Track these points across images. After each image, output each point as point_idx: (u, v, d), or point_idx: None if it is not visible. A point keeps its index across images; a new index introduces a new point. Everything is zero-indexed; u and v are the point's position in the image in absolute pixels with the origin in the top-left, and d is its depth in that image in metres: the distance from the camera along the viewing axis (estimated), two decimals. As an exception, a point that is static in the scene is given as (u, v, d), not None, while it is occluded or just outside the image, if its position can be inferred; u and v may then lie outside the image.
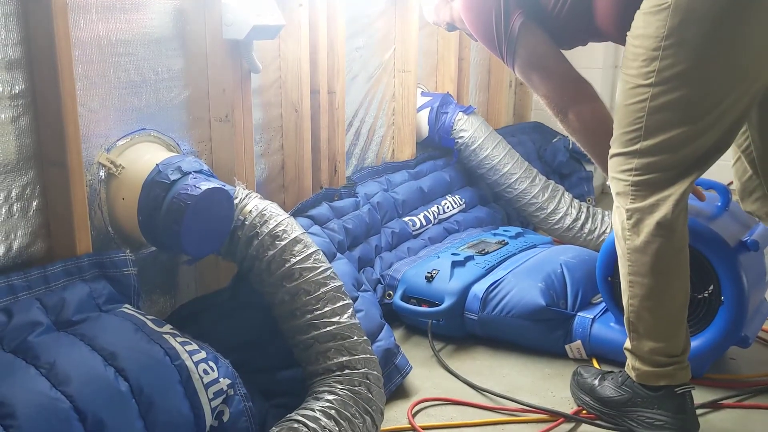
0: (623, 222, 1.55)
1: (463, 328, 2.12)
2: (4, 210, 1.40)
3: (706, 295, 1.82)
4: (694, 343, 1.84)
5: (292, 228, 1.62)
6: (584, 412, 1.74)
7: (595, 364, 1.95)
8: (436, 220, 2.67)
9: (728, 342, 1.86)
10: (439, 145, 2.90)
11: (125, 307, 1.46)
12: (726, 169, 1.79)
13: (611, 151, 1.56)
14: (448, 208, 2.75)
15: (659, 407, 1.61)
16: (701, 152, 1.47)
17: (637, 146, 1.49)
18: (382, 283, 2.24)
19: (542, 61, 1.72)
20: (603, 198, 3.76)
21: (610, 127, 1.58)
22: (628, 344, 1.65)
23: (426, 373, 1.95)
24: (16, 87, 1.38)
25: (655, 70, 1.43)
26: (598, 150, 1.65)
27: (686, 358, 1.62)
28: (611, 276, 1.93)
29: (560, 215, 2.80)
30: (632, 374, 1.65)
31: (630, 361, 1.66)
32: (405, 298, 2.16)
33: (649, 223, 1.50)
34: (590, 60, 3.47)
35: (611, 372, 1.74)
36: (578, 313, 2.01)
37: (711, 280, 1.81)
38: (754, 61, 1.42)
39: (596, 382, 1.73)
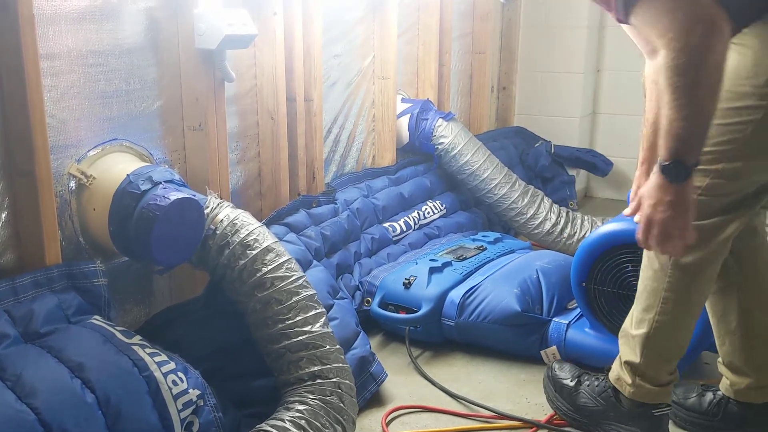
0: None
1: (440, 334, 2.12)
2: (-28, 222, 1.40)
3: (679, 300, 1.83)
4: (668, 349, 1.86)
5: (264, 237, 1.62)
6: (557, 418, 1.74)
7: (571, 370, 1.96)
8: (417, 226, 2.68)
9: (701, 347, 1.87)
10: (419, 150, 2.91)
11: (94, 318, 1.46)
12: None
13: None
14: (428, 213, 2.76)
15: (634, 425, 1.60)
16: None
17: (719, 166, 1.37)
18: (360, 290, 2.24)
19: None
20: (585, 202, 3.78)
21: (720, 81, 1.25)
22: (632, 358, 1.57)
23: (402, 380, 1.95)
24: (-16, 99, 1.38)
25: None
26: (702, 100, 1.24)
27: (672, 380, 1.60)
28: (585, 282, 1.94)
29: (540, 220, 2.81)
30: (626, 389, 1.60)
31: (626, 376, 1.60)
32: (383, 304, 2.16)
33: (711, 241, 1.42)
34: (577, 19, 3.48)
35: (587, 374, 1.74)
36: (553, 319, 2.02)
37: (683, 286, 1.82)
38: None
39: (572, 384, 1.73)
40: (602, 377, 1.69)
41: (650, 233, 1.33)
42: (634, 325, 1.57)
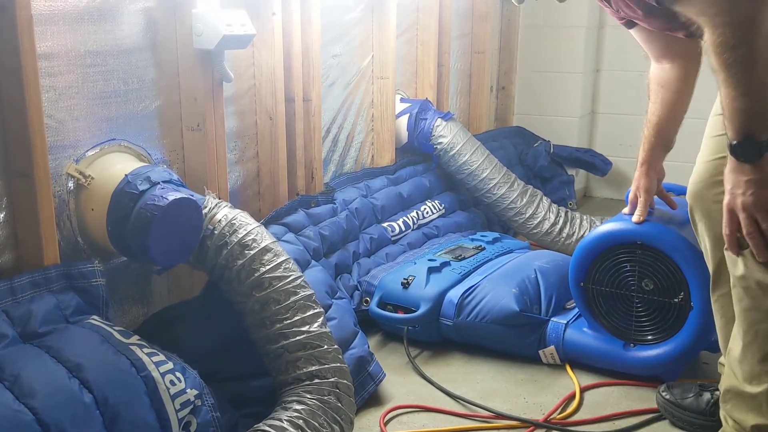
0: None
1: (439, 334, 2.12)
2: (-30, 222, 1.40)
3: (677, 301, 1.83)
4: (666, 348, 1.86)
5: (262, 237, 1.62)
6: (556, 417, 1.75)
7: (568, 370, 1.96)
8: (416, 226, 2.68)
9: (699, 347, 1.87)
10: (418, 150, 2.91)
11: (93, 319, 1.46)
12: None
13: None
14: (427, 213, 2.76)
15: None
16: None
17: None
18: (359, 290, 2.24)
19: None
20: (585, 201, 3.78)
21: None
22: (761, 420, 1.33)
23: (401, 379, 1.95)
24: (-18, 99, 1.38)
25: None
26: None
27: None
28: (583, 281, 1.94)
29: (538, 220, 2.81)
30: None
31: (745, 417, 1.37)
32: (381, 304, 2.16)
33: None
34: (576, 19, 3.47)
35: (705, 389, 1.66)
36: (552, 319, 2.02)
37: (681, 287, 1.82)
38: None
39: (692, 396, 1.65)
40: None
41: (734, 226, 1.24)
42: (750, 380, 1.33)
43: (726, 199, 1.26)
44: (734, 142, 1.22)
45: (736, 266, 1.31)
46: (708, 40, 1.19)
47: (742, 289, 1.31)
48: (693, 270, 1.77)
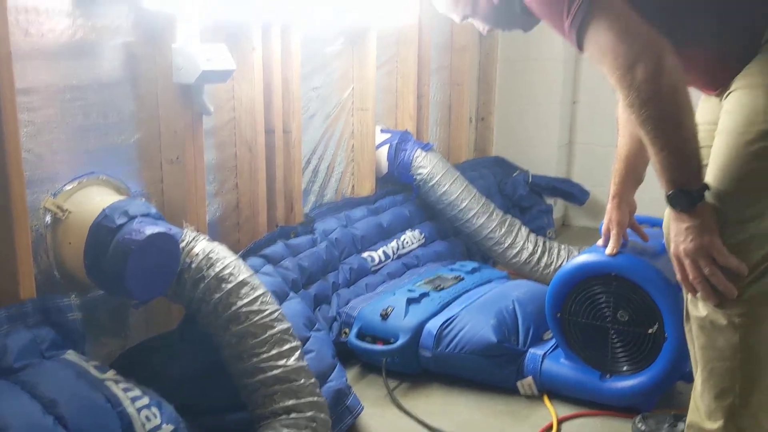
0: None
1: (418, 365, 2.13)
2: (-55, 257, 1.40)
3: (651, 332, 1.85)
4: (641, 379, 1.88)
5: (239, 270, 1.63)
6: (533, 449, 1.75)
7: (546, 401, 1.97)
8: (396, 255, 2.69)
9: (674, 377, 1.89)
10: (398, 180, 2.93)
11: (68, 353, 1.45)
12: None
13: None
14: (407, 243, 2.78)
15: None
16: None
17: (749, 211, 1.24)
18: (338, 321, 2.25)
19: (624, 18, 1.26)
20: (563, 230, 3.81)
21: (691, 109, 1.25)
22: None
23: (380, 412, 1.95)
24: (-40, 134, 1.39)
25: None
26: (680, 131, 1.23)
27: None
28: (560, 312, 1.96)
29: (517, 249, 2.84)
30: None
31: None
32: (360, 335, 2.17)
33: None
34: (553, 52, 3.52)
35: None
36: (529, 349, 2.03)
37: (655, 318, 1.84)
38: None
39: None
40: None
41: (683, 272, 1.28)
42: (708, 416, 1.33)
43: (671, 247, 1.30)
44: (668, 193, 1.26)
45: (694, 306, 1.34)
46: (620, 100, 1.24)
47: (698, 328, 1.33)
48: (666, 301, 1.80)
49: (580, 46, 1.30)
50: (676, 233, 1.28)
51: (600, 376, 1.93)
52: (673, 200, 1.26)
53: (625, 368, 1.91)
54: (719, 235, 1.24)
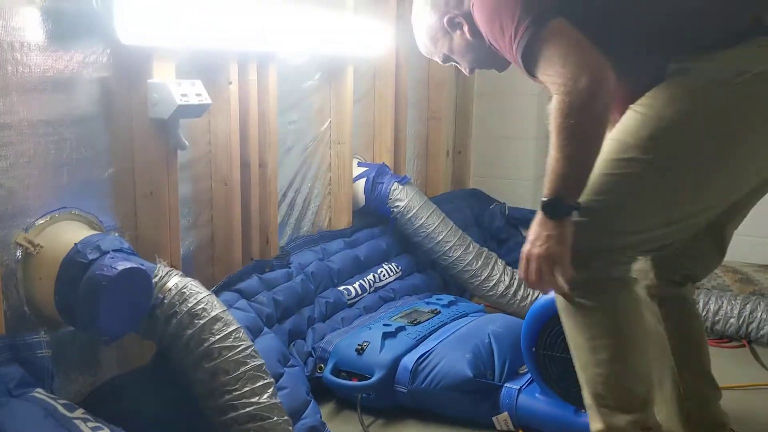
0: (584, 282, 1.45)
1: (393, 401, 2.12)
2: None
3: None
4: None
5: (212, 306, 1.62)
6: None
7: (522, 436, 1.97)
8: (372, 289, 2.69)
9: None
10: (375, 213, 2.94)
11: (37, 391, 1.43)
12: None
13: None
14: (384, 275, 2.77)
15: None
16: (667, 242, 1.49)
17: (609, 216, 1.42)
18: (313, 356, 2.23)
19: (568, 44, 1.36)
20: (540, 262, 3.83)
21: (604, 129, 1.37)
22: (599, 426, 1.51)
23: (354, 448, 1.94)
24: (-71, 169, 1.38)
25: (657, 145, 1.37)
26: (584, 145, 1.33)
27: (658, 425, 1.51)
28: (534, 347, 1.96)
29: (494, 282, 2.84)
30: None
31: None
32: (336, 371, 2.15)
33: (608, 280, 1.44)
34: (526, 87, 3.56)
35: None
36: (505, 384, 2.03)
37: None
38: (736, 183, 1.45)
39: None
40: None
41: (529, 268, 1.40)
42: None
43: (525, 247, 1.42)
44: (545, 199, 1.36)
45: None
46: (551, 105, 1.33)
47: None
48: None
49: (527, 61, 1.38)
50: (535, 236, 1.39)
51: (575, 410, 1.93)
52: (547, 206, 1.36)
53: (599, 403, 1.91)
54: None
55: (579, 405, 1.93)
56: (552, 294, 1.91)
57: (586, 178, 1.35)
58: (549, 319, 1.94)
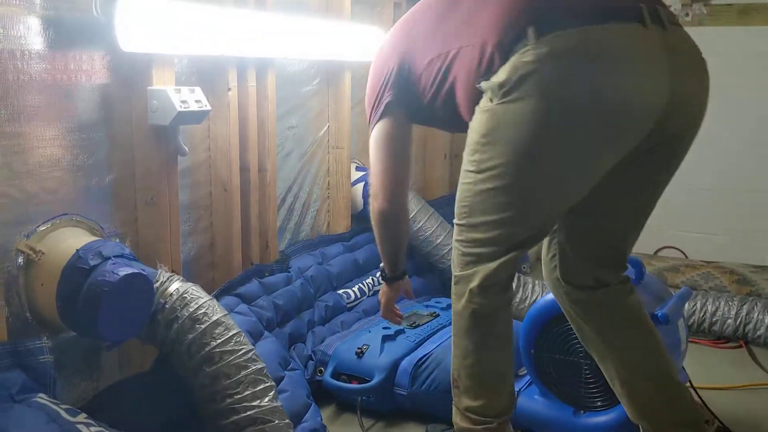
0: (452, 286, 1.66)
1: (393, 404, 2.13)
2: None
3: (623, 367, 1.87)
4: (615, 414, 1.89)
5: (213, 310, 1.63)
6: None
7: (522, 438, 1.98)
8: (371, 292, 2.70)
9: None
10: (374, 217, 2.95)
11: (39, 397, 1.44)
12: (640, 242, 1.86)
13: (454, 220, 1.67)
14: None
15: None
16: (517, 239, 1.57)
17: (465, 221, 1.60)
18: (313, 359, 2.24)
19: (386, 146, 1.85)
20: (538, 265, 3.84)
21: (398, 236, 1.97)
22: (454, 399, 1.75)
23: (355, 451, 1.95)
24: (-68, 177, 1.39)
25: (476, 160, 1.54)
26: (385, 244, 1.98)
27: (503, 420, 1.70)
28: (533, 349, 1.97)
29: (492, 285, 2.85)
30: (455, 428, 1.75)
31: (453, 416, 1.75)
32: (336, 374, 2.17)
33: (467, 289, 1.61)
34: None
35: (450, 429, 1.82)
36: (504, 386, 2.04)
37: (627, 353, 1.86)
38: (567, 179, 1.53)
39: None
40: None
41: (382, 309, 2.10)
42: None
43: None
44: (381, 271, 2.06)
45: None
46: None
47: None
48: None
49: None
50: (381, 291, 2.12)
51: (574, 411, 1.94)
52: (382, 274, 2.06)
53: (598, 403, 1.92)
54: None
55: (577, 406, 1.95)
56: (550, 296, 1.95)
57: (390, 262, 2.02)
58: (548, 321, 1.96)
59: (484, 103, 1.51)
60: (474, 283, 1.60)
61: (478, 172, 1.55)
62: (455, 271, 1.65)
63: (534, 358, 1.98)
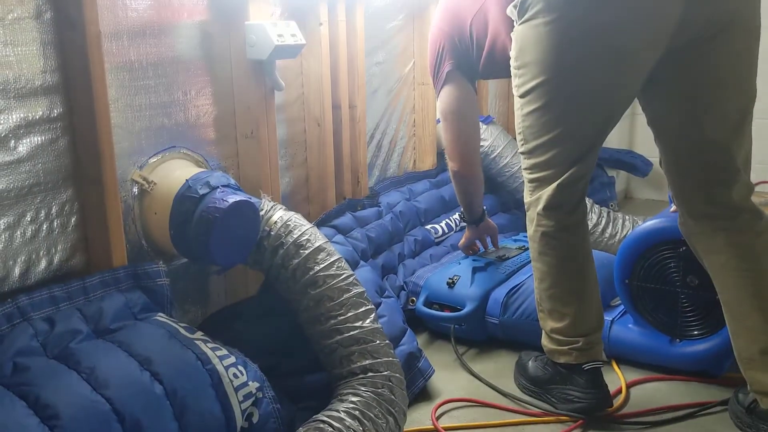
0: (527, 213, 1.75)
1: (484, 332, 2.17)
2: (45, 226, 1.50)
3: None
4: (712, 343, 1.88)
5: (316, 237, 1.69)
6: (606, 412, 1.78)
7: (615, 367, 1.99)
8: (458, 228, 2.72)
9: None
10: (460, 154, 2.95)
11: (159, 316, 1.54)
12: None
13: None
14: (470, 215, 2.80)
15: (571, 383, 1.76)
16: (572, 156, 1.63)
17: (524, 148, 1.69)
18: (405, 290, 2.30)
19: (453, 113, 2.16)
20: (626, 203, 3.78)
21: (470, 190, 2.30)
22: (541, 324, 1.83)
23: (449, 376, 2.00)
24: (55, 111, 1.48)
25: (517, 85, 1.64)
26: (460, 196, 2.34)
27: (590, 340, 1.75)
28: (628, 279, 1.97)
29: (581, 220, 2.83)
30: (544, 350, 1.83)
31: (542, 339, 1.84)
32: (428, 303, 2.22)
33: (535, 214, 1.70)
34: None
35: (543, 355, 1.87)
36: (597, 316, 2.05)
37: (726, 281, 1.84)
38: (599, 91, 1.58)
39: (530, 362, 1.91)
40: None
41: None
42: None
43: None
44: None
45: None
46: None
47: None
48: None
49: None
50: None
51: (670, 340, 1.94)
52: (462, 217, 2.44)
53: (695, 332, 1.91)
54: None
55: (673, 335, 1.94)
56: (644, 226, 1.93)
57: (469, 210, 2.36)
58: (643, 252, 1.94)
59: (514, 28, 1.62)
60: (540, 206, 1.68)
61: (521, 96, 1.64)
62: (525, 199, 1.75)
63: (629, 288, 1.97)
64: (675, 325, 1.93)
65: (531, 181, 1.70)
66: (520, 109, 1.65)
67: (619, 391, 1.88)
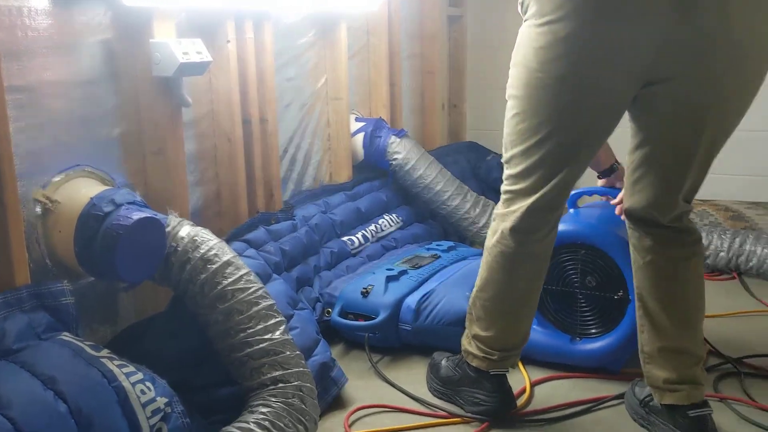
0: (492, 222, 1.75)
1: (398, 339, 2.22)
2: (-58, 248, 1.47)
3: (617, 297, 1.96)
4: (609, 340, 1.99)
5: (223, 251, 1.71)
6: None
7: (521, 367, 2.07)
8: (374, 239, 2.78)
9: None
10: (374, 167, 3.02)
11: (64, 335, 1.52)
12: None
13: None
14: (385, 226, 2.87)
15: (479, 387, 1.82)
16: (547, 171, 1.56)
17: (504, 158, 1.66)
18: (321, 301, 2.33)
19: None
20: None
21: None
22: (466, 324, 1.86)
23: (364, 384, 2.04)
24: (-49, 131, 1.45)
25: (507, 86, 1.61)
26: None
27: (507, 354, 1.79)
28: (531, 282, 2.06)
29: (492, 228, 2.93)
30: (461, 348, 1.86)
31: (462, 336, 1.87)
32: (343, 313, 2.26)
33: (500, 229, 1.69)
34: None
35: (457, 355, 1.92)
36: (504, 319, 2.13)
37: (621, 283, 1.95)
38: (579, 97, 1.50)
39: (443, 362, 1.96)
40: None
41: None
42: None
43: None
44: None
45: None
46: None
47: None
48: (628, 266, 1.89)
49: None
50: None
51: (570, 339, 2.04)
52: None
53: (593, 331, 2.02)
54: None
55: (573, 334, 2.04)
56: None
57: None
58: (543, 255, 2.03)
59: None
60: (506, 224, 1.66)
61: (507, 99, 1.60)
62: (495, 209, 1.73)
63: (532, 291, 2.06)
64: (574, 324, 2.04)
65: (505, 192, 1.66)
66: (507, 113, 1.61)
67: (524, 391, 1.96)
